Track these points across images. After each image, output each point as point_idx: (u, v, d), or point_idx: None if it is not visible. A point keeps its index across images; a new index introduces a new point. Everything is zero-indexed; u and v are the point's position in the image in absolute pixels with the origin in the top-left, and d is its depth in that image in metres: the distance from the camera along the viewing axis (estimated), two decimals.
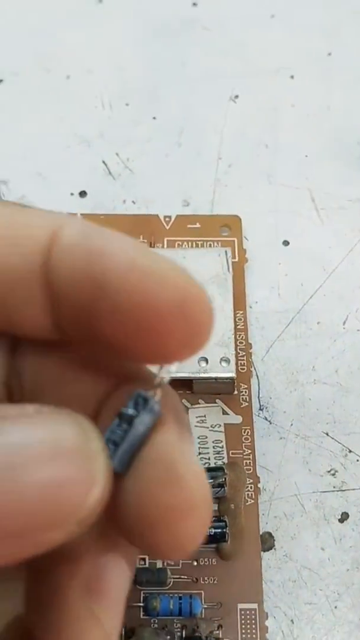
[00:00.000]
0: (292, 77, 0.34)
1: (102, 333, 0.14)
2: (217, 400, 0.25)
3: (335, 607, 0.23)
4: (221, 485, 0.23)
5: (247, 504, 0.23)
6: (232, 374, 0.24)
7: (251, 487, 0.24)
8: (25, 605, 0.15)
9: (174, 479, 0.13)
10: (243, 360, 0.26)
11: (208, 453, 0.24)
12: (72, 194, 0.31)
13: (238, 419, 0.25)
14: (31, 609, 0.15)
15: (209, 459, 0.24)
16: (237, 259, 0.28)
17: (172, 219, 0.29)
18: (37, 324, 0.14)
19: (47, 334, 0.15)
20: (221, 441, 0.24)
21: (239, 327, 0.26)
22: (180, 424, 0.14)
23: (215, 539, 0.22)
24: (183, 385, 0.25)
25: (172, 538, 0.13)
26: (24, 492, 0.11)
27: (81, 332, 0.14)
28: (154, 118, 0.33)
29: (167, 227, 0.29)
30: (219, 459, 0.24)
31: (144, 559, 0.22)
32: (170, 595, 0.22)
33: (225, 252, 0.26)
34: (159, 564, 0.22)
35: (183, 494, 0.12)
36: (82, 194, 0.31)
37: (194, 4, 0.36)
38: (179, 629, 0.22)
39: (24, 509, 0.11)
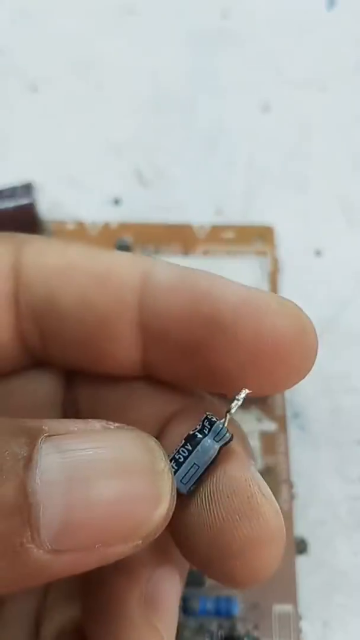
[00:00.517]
0: (323, 88, 0.34)
1: (211, 366, 0.14)
2: (252, 408, 0.25)
3: None
4: None
5: (282, 509, 0.24)
6: None
7: (286, 493, 0.24)
8: (83, 613, 0.16)
9: (254, 512, 0.13)
10: None
11: None
12: (105, 201, 0.31)
13: (273, 426, 0.25)
14: (88, 617, 0.16)
15: None
16: (270, 269, 0.28)
17: (206, 228, 0.29)
18: (125, 360, 0.15)
19: (132, 371, 0.15)
20: (256, 448, 0.25)
21: None
22: (248, 453, 0.15)
23: None
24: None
25: (249, 569, 0.13)
26: (93, 507, 0.12)
27: (171, 367, 0.15)
28: (186, 127, 0.33)
29: (202, 237, 0.29)
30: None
31: None
32: (208, 596, 0.23)
33: (261, 262, 0.27)
34: None
35: (262, 526, 0.13)
36: (116, 202, 0.32)
37: (224, 16, 0.36)
38: (216, 629, 0.22)
39: (93, 523, 0.12)
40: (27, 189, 0.28)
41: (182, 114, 0.34)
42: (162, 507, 0.13)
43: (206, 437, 0.14)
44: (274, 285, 0.28)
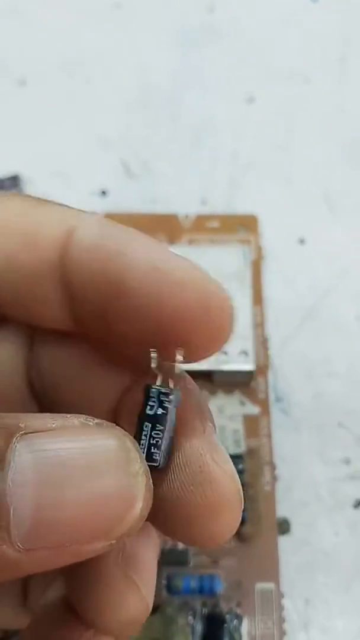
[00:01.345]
0: (307, 80, 0.35)
1: (118, 331, 0.14)
2: (235, 392, 0.26)
3: (348, 590, 0.24)
4: (240, 473, 0.24)
5: (264, 490, 0.25)
6: (252, 367, 0.25)
7: (268, 475, 0.25)
8: (65, 579, 0.17)
9: (206, 481, 0.14)
10: (260, 353, 0.27)
11: (227, 442, 0.25)
12: (93, 193, 0.32)
13: (256, 410, 0.26)
14: (70, 583, 0.16)
15: (227, 447, 0.25)
16: (254, 257, 0.29)
17: (191, 218, 0.30)
18: (55, 317, 0.15)
19: (65, 326, 0.15)
20: (239, 431, 0.25)
21: (256, 321, 0.27)
22: (203, 417, 0.15)
23: None
24: (203, 376, 0.26)
25: (208, 534, 0.14)
26: (64, 508, 0.12)
27: (99, 327, 0.14)
28: (173, 120, 0.34)
29: (187, 226, 0.30)
30: (238, 448, 0.25)
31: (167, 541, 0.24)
32: (192, 575, 0.23)
33: (244, 250, 0.27)
34: (181, 546, 0.23)
35: (216, 494, 0.14)
36: (103, 193, 0.32)
37: (210, 10, 0.37)
38: (200, 607, 0.23)
39: (63, 524, 0.12)
40: (14, 180, 0.28)
41: (168, 106, 0.34)
42: (136, 509, 0.13)
43: (155, 408, 0.14)
44: (257, 273, 0.28)
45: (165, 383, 0.14)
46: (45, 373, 0.16)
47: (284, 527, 0.25)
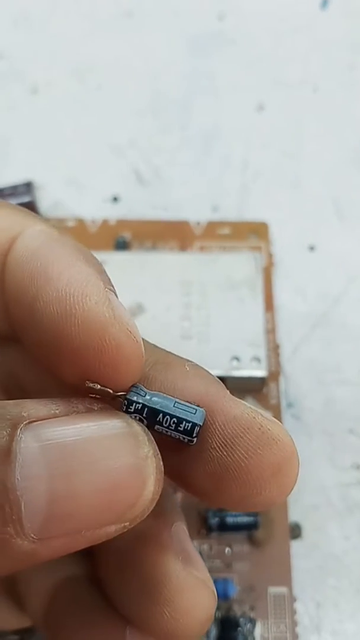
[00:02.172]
0: (316, 88, 0.35)
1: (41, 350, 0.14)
2: (247, 398, 0.26)
3: (358, 593, 0.25)
4: None
5: None
6: (264, 373, 0.25)
7: None
8: (110, 588, 0.16)
9: (271, 439, 0.14)
10: (272, 360, 0.27)
11: None
12: (105, 200, 0.32)
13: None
14: (122, 590, 0.16)
15: None
16: (265, 264, 0.29)
17: (203, 224, 0.30)
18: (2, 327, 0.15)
19: (4, 331, 0.15)
20: None
21: (268, 328, 0.28)
22: (217, 385, 0.15)
23: (247, 527, 0.24)
24: None
25: (281, 489, 0.14)
26: (77, 498, 0.12)
27: (31, 340, 0.14)
28: (183, 127, 0.34)
29: (198, 233, 0.30)
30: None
31: None
32: None
33: (255, 257, 0.28)
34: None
35: (282, 447, 0.14)
36: (115, 199, 0.32)
37: (220, 18, 0.37)
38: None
39: (77, 513, 0.12)
40: (28, 187, 0.28)
41: (179, 114, 0.35)
42: (147, 492, 0.13)
43: (140, 414, 0.14)
44: (268, 280, 0.29)
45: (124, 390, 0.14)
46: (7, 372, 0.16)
47: (295, 531, 0.25)
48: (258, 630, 0.23)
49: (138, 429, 0.13)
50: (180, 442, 0.14)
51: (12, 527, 0.11)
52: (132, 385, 0.14)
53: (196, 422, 0.14)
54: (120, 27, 0.37)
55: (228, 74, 0.36)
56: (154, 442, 0.13)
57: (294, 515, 0.25)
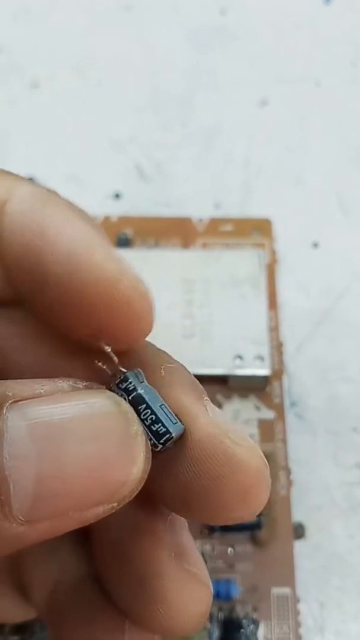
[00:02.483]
0: (319, 83, 0.35)
1: (52, 310, 0.14)
2: (250, 396, 0.26)
3: None
4: None
5: (280, 494, 0.25)
6: (267, 372, 0.25)
7: (284, 479, 0.25)
8: (104, 577, 0.16)
9: (236, 468, 0.13)
10: (275, 358, 0.27)
11: None
12: (106, 196, 0.32)
13: (271, 415, 0.26)
14: (116, 583, 0.16)
15: None
16: (268, 261, 0.29)
17: (205, 221, 0.30)
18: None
19: (3, 294, 0.15)
20: (255, 435, 0.25)
21: (271, 326, 0.27)
22: (199, 394, 0.14)
23: (250, 527, 0.24)
24: (218, 381, 0.26)
25: (249, 510, 0.14)
26: (66, 477, 0.12)
27: (37, 300, 0.14)
28: (185, 123, 0.34)
29: (201, 230, 0.30)
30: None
31: None
32: None
33: (259, 254, 0.27)
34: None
35: (248, 479, 0.13)
36: (117, 196, 0.32)
37: (222, 12, 0.37)
38: (216, 611, 0.23)
39: (66, 493, 0.12)
40: None
41: (181, 109, 0.34)
42: (137, 471, 0.12)
43: (139, 386, 0.13)
44: (271, 277, 0.28)
45: (117, 371, 0.14)
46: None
47: (299, 531, 0.25)
48: (261, 632, 0.23)
49: (126, 407, 0.13)
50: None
51: (0, 509, 0.11)
52: (136, 368, 0.14)
53: (171, 431, 0.13)
54: (120, 21, 0.37)
55: (230, 69, 0.35)
56: (141, 422, 0.13)
57: (297, 515, 0.25)
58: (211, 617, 0.23)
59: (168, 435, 0.13)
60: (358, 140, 0.33)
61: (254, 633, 0.22)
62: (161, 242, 0.29)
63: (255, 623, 0.23)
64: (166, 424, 0.13)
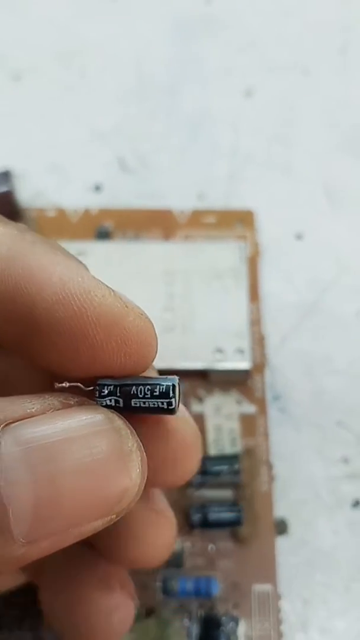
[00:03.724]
0: (307, 72, 0.34)
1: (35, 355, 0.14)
2: (232, 391, 0.26)
3: (348, 590, 0.24)
4: (236, 472, 0.24)
5: (261, 490, 0.24)
6: (247, 365, 0.25)
7: (265, 474, 0.24)
8: None
9: (171, 437, 0.14)
10: (257, 351, 0.26)
11: (223, 441, 0.25)
12: (87, 188, 0.32)
13: (252, 409, 0.25)
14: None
15: (224, 447, 0.25)
16: (251, 253, 0.28)
17: (187, 213, 0.29)
18: None
19: None
20: (236, 430, 0.25)
21: (253, 319, 0.27)
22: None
23: (231, 524, 0.23)
24: (199, 375, 0.25)
25: (173, 479, 0.15)
26: (63, 499, 0.12)
27: (18, 343, 0.14)
28: (169, 113, 0.33)
29: (182, 222, 0.29)
30: (234, 447, 0.25)
31: None
32: (188, 576, 0.23)
33: (240, 246, 0.27)
34: (177, 547, 0.23)
35: (181, 445, 0.15)
36: (97, 188, 0.32)
37: (208, 2, 0.36)
38: (196, 609, 0.22)
39: (64, 514, 0.12)
40: (5, 176, 0.28)
41: (165, 99, 0.34)
42: (133, 486, 0.13)
43: (117, 381, 0.14)
44: (254, 269, 0.28)
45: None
46: None
47: (281, 527, 0.24)
48: (242, 629, 0.22)
49: (120, 422, 0.13)
50: (159, 416, 0.14)
51: (2, 536, 0.11)
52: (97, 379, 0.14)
53: (169, 383, 0.13)
54: (104, 10, 0.36)
55: (216, 58, 0.35)
56: (135, 434, 0.13)
57: (280, 511, 0.25)
58: (190, 615, 0.22)
59: (172, 386, 0.13)
60: (346, 130, 0.33)
61: (234, 631, 0.22)
62: (142, 234, 0.29)
63: (235, 620, 0.22)
64: (162, 382, 0.13)
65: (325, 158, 0.32)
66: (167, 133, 0.33)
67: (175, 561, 0.23)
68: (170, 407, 0.13)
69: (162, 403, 0.13)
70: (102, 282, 0.13)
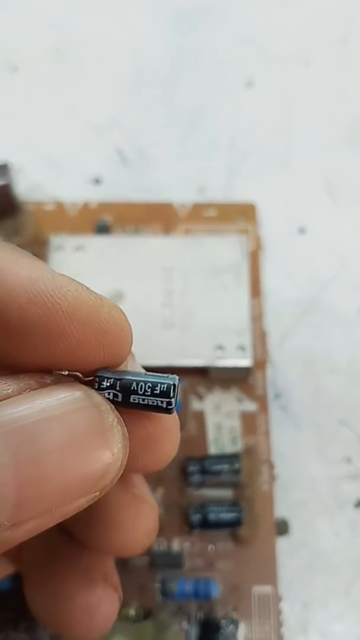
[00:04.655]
0: (307, 63, 0.33)
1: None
2: (232, 388, 0.25)
3: (349, 591, 0.24)
4: (237, 472, 0.23)
5: (262, 490, 0.24)
6: (248, 363, 0.24)
7: (266, 474, 0.24)
8: (67, 521, 0.16)
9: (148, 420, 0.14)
10: (258, 348, 0.26)
11: (223, 440, 0.24)
12: (86, 181, 0.31)
13: (253, 407, 0.25)
14: (77, 520, 0.16)
15: (224, 445, 0.24)
16: (252, 247, 0.28)
17: (188, 206, 0.29)
18: None
19: None
20: (236, 428, 0.25)
21: (254, 315, 0.26)
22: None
23: (231, 524, 0.23)
24: (199, 373, 0.25)
25: (152, 463, 0.15)
26: (46, 480, 0.12)
27: None
28: (168, 105, 0.33)
29: (183, 215, 0.29)
30: (234, 446, 0.24)
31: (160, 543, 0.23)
32: (187, 578, 0.22)
33: (241, 240, 0.26)
34: (176, 548, 0.23)
35: (158, 427, 0.14)
36: (97, 181, 0.31)
37: None
38: (195, 611, 0.22)
39: (47, 494, 0.12)
40: (2, 169, 0.27)
41: (164, 92, 0.33)
42: (115, 461, 0.12)
43: (117, 375, 0.14)
44: (255, 264, 0.27)
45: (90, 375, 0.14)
46: None
47: (282, 528, 0.24)
48: (242, 631, 0.22)
49: (98, 398, 0.13)
50: (156, 413, 0.13)
51: None
52: (97, 370, 0.14)
53: (170, 383, 0.13)
54: (101, 2, 0.35)
55: (215, 50, 0.34)
56: (115, 409, 0.13)
57: (281, 511, 0.24)
58: (189, 618, 0.22)
59: (173, 386, 0.13)
60: (348, 122, 0.32)
61: (234, 634, 0.22)
62: (142, 228, 0.28)
63: (235, 623, 0.22)
64: (164, 381, 0.13)
65: (326, 151, 0.31)
66: (166, 126, 0.32)
67: (174, 562, 0.22)
68: (169, 407, 0.13)
69: (162, 402, 0.13)
70: (72, 279, 0.13)
